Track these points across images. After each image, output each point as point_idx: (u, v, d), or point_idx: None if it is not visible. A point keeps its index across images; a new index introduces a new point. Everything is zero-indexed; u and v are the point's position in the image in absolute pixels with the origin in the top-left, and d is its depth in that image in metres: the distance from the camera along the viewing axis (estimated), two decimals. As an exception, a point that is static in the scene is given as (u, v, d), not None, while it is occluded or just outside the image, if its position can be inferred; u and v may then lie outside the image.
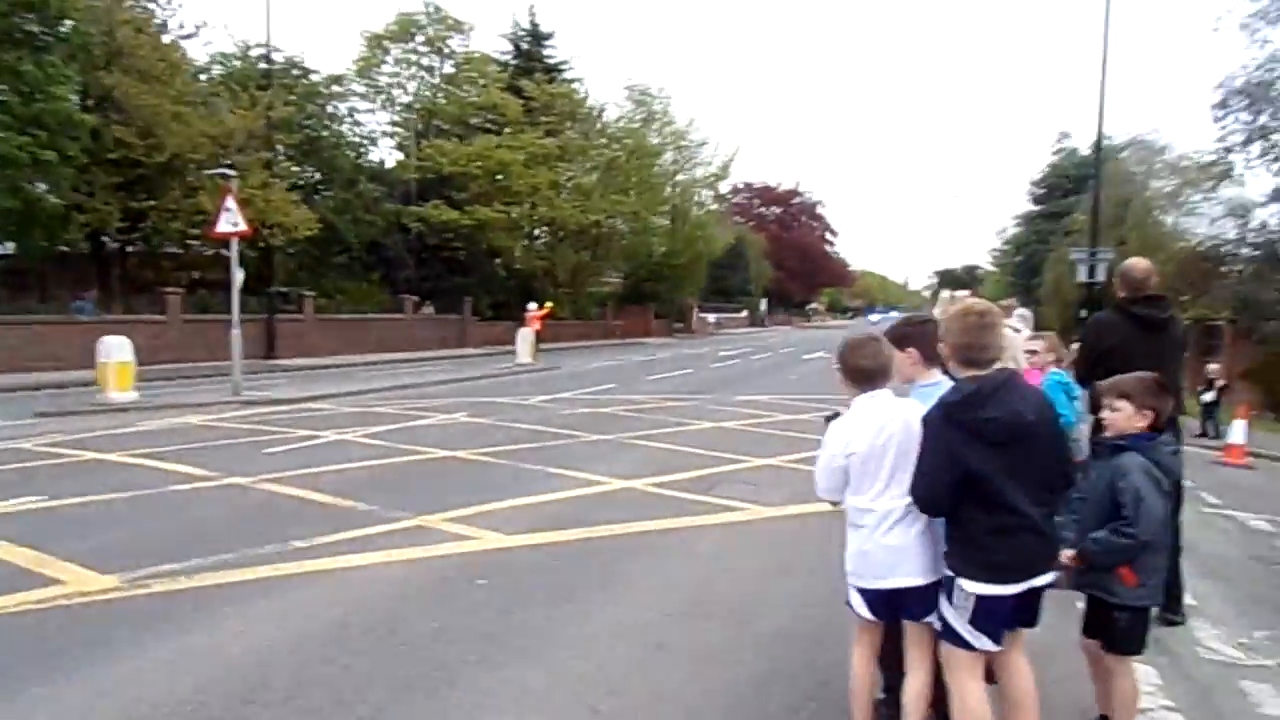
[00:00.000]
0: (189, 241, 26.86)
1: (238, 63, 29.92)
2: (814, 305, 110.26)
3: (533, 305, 28.88)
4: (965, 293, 8.80)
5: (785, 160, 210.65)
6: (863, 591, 3.19)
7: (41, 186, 21.97)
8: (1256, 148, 19.56)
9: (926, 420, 3.03)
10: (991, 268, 75.45)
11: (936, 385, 3.27)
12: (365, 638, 4.47)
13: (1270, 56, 19.13)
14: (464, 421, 12.88)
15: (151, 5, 26.54)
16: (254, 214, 22.85)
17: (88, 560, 5.58)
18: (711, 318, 61.48)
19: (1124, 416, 3.44)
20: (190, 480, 8.27)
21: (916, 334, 3.42)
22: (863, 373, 3.21)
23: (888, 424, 3.11)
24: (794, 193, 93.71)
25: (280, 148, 28.45)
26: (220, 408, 14.34)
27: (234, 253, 16.24)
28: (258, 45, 29.60)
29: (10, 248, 25.12)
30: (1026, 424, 2.93)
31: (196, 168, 24.12)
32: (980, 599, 2.94)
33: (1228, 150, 20.38)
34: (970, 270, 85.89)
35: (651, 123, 47.64)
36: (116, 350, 14.31)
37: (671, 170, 50.19)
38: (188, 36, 27.55)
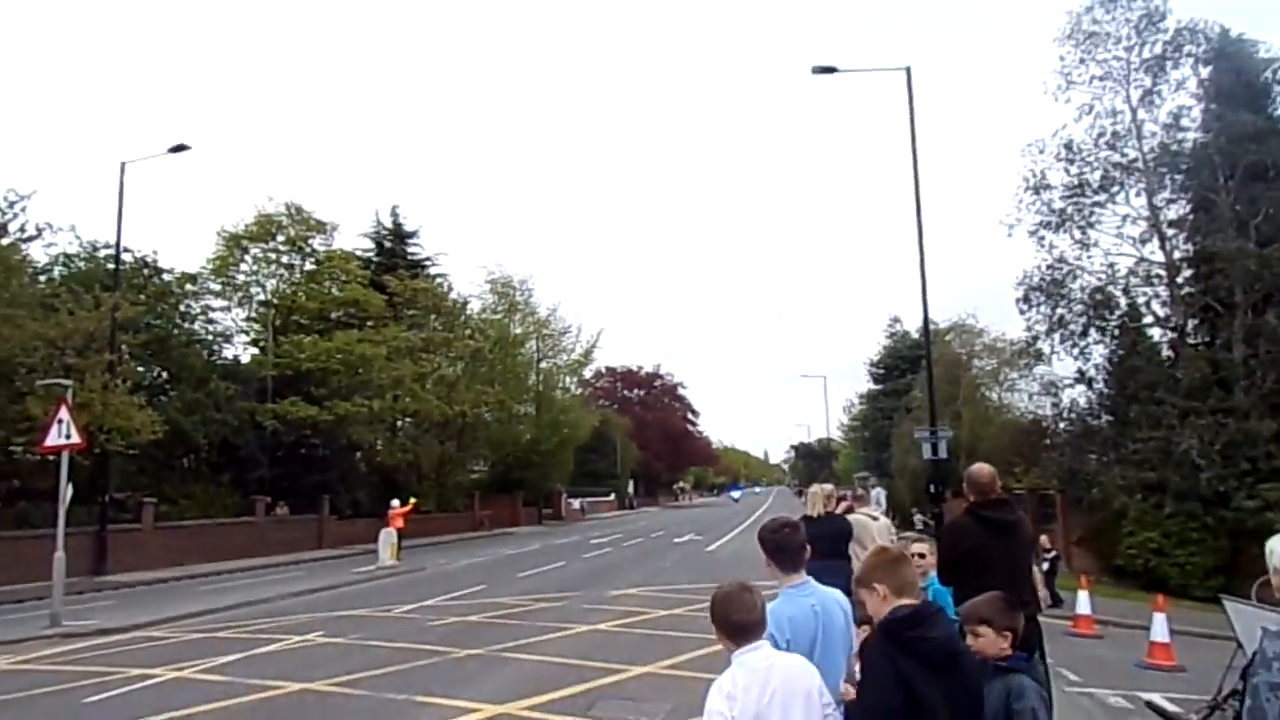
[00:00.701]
0: (11, 450, 24.64)
1: (83, 264, 28.92)
2: (681, 484, 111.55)
3: (395, 502, 27.80)
4: (830, 486, 9.20)
5: (644, 342, 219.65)
6: None
7: None
8: (1058, 336, 22.05)
9: (866, 649, 3.08)
10: (844, 442, 79.22)
11: (804, 585, 3.53)
12: None
13: (1058, 259, 22.02)
14: (320, 642, 11.94)
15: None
16: (90, 418, 21.42)
17: None
18: (576, 503, 60.77)
19: (989, 642, 3.62)
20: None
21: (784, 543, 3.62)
22: (740, 628, 2.98)
23: (771, 680, 2.90)
24: (656, 375, 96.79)
25: (125, 348, 27.15)
26: (35, 644, 12.72)
27: (64, 468, 14.99)
28: (106, 246, 28.84)
29: None
30: (958, 651, 3.04)
31: (27, 372, 22.58)
32: None
33: (1034, 338, 22.84)
34: (824, 444, 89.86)
35: (514, 313, 48.90)
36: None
37: (535, 358, 51.12)
38: (29, 239, 26.51)
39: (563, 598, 16.12)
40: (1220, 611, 10.12)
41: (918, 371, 40.11)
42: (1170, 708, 7.12)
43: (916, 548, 5.73)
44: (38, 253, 27.30)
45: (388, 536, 25.39)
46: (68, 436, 14.29)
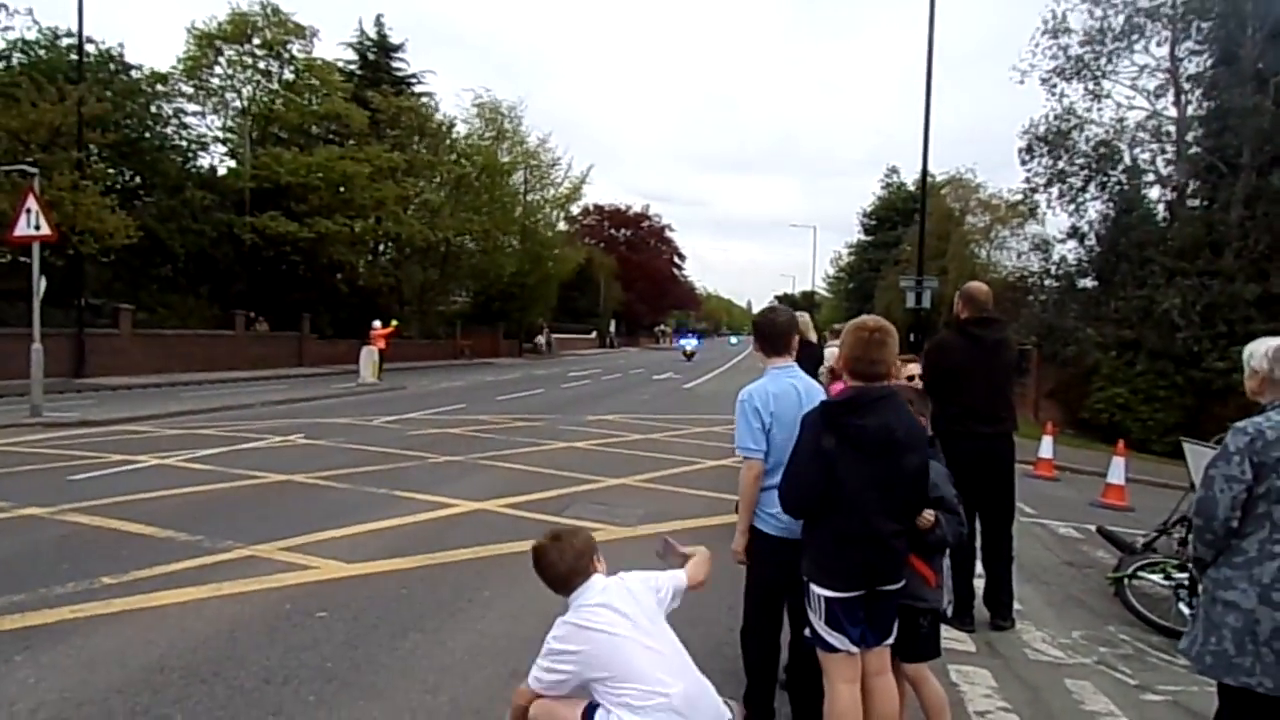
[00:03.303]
0: (-21, 247, 24.07)
1: (43, 52, 27.25)
2: (662, 327, 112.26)
3: (377, 323, 27.78)
4: (806, 316, 9.16)
5: (635, 182, 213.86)
6: None
7: None
8: (1056, 190, 21.64)
9: (804, 420, 3.15)
10: (827, 294, 79.54)
11: (789, 368, 3.63)
12: (185, 683, 4.04)
13: (1067, 109, 21.27)
14: (301, 444, 12.13)
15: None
16: (61, 218, 20.78)
17: None
18: (541, 338, 59.42)
19: None
20: (-25, 513, 7.31)
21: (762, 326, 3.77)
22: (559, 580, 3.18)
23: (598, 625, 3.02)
24: (644, 216, 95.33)
25: (93, 147, 26.03)
26: (16, 430, 12.85)
27: (35, 259, 14.64)
28: (68, 35, 27.07)
29: None
30: (895, 439, 3.04)
31: (-9, 164, 21.69)
32: (829, 601, 3.01)
33: (1032, 191, 22.44)
34: (807, 296, 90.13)
35: (502, 140, 47.24)
36: (-114, 366, 12.55)
37: (522, 189, 49.91)
38: (-17, 20, 24.79)
39: (541, 419, 16.40)
40: (1177, 463, 10.50)
41: (910, 225, 39.72)
42: (1119, 533, 7.42)
43: (910, 369, 5.72)
44: (-6, 38, 25.68)
45: (369, 354, 25.54)
46: (37, 228, 13.85)
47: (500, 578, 5.91)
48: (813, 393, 3.57)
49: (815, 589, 3.10)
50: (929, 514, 3.30)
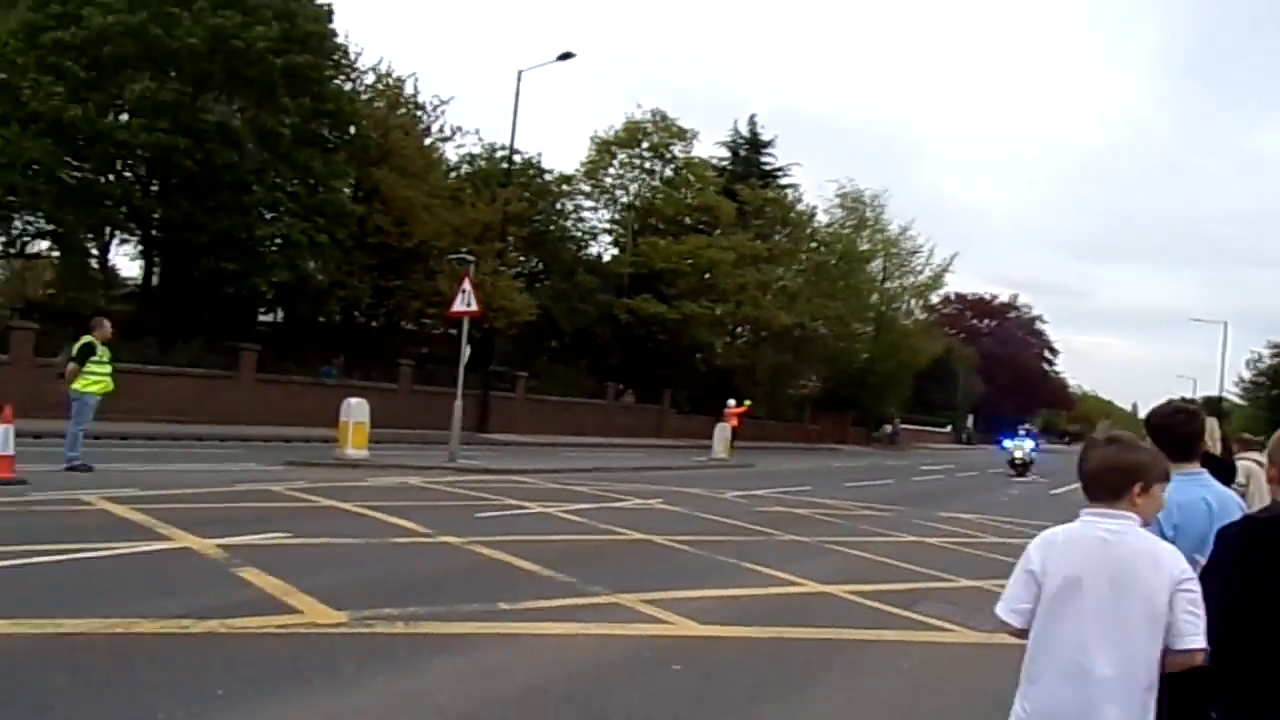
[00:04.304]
0: (424, 320, 29.58)
1: (483, 162, 33.16)
2: (1027, 426, 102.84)
3: (731, 401, 29.06)
4: (1214, 422, 7.93)
5: (1003, 270, 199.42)
6: None
7: (312, 265, 25.15)
8: None
9: (1222, 535, 2.75)
10: (1240, 400, 67.36)
11: (1198, 475, 3.19)
12: (558, 705, 4.55)
13: None
14: (659, 508, 13.02)
15: (419, 113, 30.18)
16: (482, 298, 24.85)
17: (321, 595, 6.08)
18: (889, 428, 56.62)
19: None
20: (409, 534, 8.90)
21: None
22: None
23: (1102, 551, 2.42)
24: (1011, 306, 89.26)
25: (511, 239, 30.99)
26: (438, 472, 15.41)
27: (464, 331, 17.68)
28: (502, 148, 32.75)
29: (279, 316, 28.70)
30: None
31: (439, 254, 26.69)
32: None
33: None
34: (1214, 401, 77.06)
35: (862, 229, 47.54)
36: (356, 411, 15.83)
37: (879, 277, 49.51)
38: (445, 139, 31.01)
39: (889, 509, 15.87)
40: None
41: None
42: None
43: None
44: (450, 152, 31.86)
45: (722, 431, 26.69)
46: (469, 304, 16.77)
47: (845, 663, 5.84)
48: (1227, 507, 3.15)
49: None
50: None
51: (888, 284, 50.38)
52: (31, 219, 23.94)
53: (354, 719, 4.13)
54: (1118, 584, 2.41)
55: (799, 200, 45.41)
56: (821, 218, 47.03)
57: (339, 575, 6.88)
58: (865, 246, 47.69)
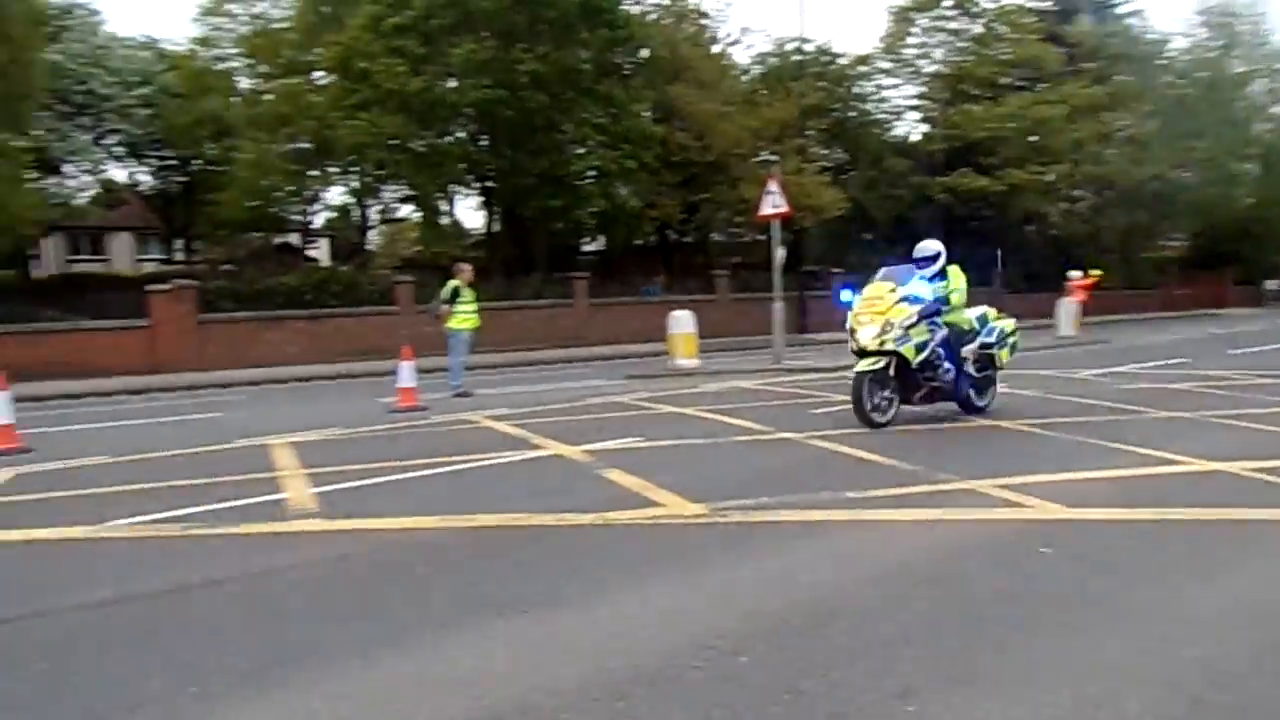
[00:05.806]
0: (732, 229, 30.02)
1: (774, 60, 32.30)
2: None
3: (1074, 273, 26.13)
4: None
5: None
6: None
7: (624, 191, 26.49)
8: None
9: None
10: None
11: None
12: (927, 584, 4.51)
13: None
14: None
15: (705, 21, 30.07)
16: (789, 197, 24.56)
17: (678, 490, 6.56)
18: (1274, 283, 46.73)
19: None
20: (749, 433, 9.24)
21: None
22: None
23: None
24: None
25: (811, 133, 30.07)
26: (765, 374, 15.76)
27: (775, 234, 17.63)
28: (791, 40, 31.64)
29: (599, 243, 30.75)
30: None
31: (740, 160, 26.73)
32: None
33: None
34: None
35: (1234, 48, 39.41)
36: (683, 323, 16.62)
37: (1262, 103, 40.95)
38: (734, 43, 30.66)
39: (1293, 376, 13.44)
40: None
41: None
42: None
43: None
44: (740, 55, 31.45)
45: (1067, 306, 24.25)
46: (777, 206, 16.64)
47: (1250, 544, 5.13)
48: None
49: None
50: None
51: (1275, 108, 41.50)
52: (396, 187, 27.82)
53: (732, 594, 4.44)
54: None
55: (1145, 30, 38.69)
56: (1179, 44, 39.71)
57: (691, 472, 7.37)
58: (1240, 68, 39.53)
